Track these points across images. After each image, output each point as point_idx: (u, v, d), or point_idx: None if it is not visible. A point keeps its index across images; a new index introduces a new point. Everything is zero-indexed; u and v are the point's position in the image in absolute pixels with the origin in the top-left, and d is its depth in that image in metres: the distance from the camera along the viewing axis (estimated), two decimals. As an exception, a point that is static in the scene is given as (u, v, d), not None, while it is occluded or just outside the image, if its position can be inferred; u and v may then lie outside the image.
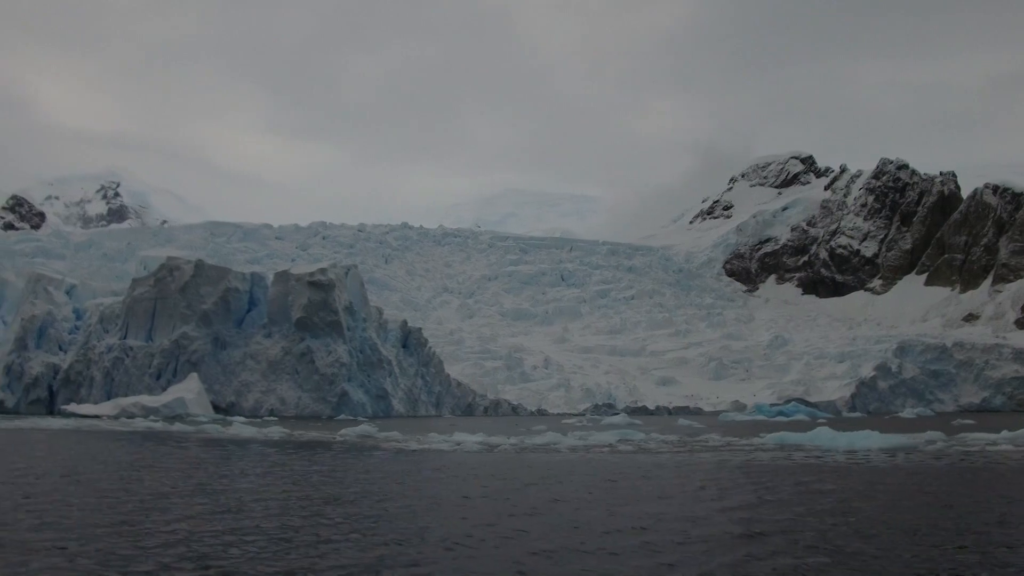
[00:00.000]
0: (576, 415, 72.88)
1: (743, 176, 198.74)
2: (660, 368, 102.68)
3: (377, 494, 12.92)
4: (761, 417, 58.95)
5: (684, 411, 78.11)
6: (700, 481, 15.17)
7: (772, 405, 68.66)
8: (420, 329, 68.17)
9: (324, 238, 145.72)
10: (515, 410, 72.18)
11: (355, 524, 9.85)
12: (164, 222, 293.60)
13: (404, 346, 64.27)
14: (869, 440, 23.65)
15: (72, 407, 47.84)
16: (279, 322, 55.87)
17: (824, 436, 25.65)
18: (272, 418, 46.38)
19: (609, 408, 79.52)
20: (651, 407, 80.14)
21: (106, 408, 44.31)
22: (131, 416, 42.89)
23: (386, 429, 32.81)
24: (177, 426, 35.18)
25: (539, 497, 12.45)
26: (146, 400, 46.01)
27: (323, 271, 55.63)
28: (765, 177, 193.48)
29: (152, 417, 41.94)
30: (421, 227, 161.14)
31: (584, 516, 10.58)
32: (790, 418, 56.87)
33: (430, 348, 67.84)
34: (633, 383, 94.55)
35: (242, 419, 43.25)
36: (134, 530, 9.15)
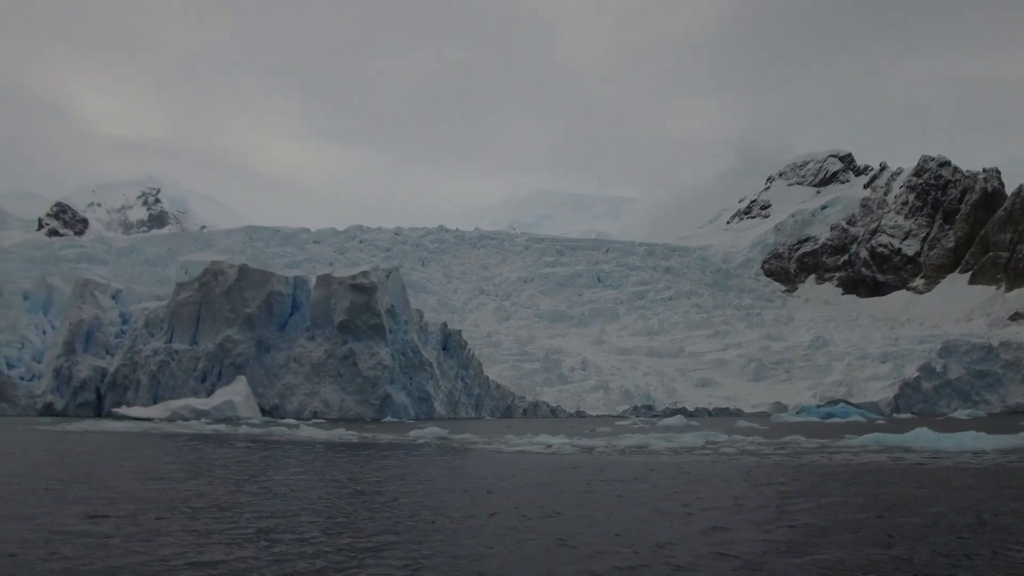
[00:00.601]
0: (616, 416, 72.60)
1: (781, 175, 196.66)
2: (699, 369, 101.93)
3: (550, 504, 11.78)
4: (813, 418, 58.12)
5: (724, 413, 77.47)
6: (868, 486, 14.22)
7: (819, 406, 67.85)
8: (460, 331, 68.40)
9: (361, 242, 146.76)
10: (554, 412, 72.09)
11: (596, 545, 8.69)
12: (203, 227, 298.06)
13: (444, 348, 64.52)
14: (979, 441, 22.72)
15: (123, 410, 48.69)
16: (322, 325, 56.36)
17: (927, 437, 24.59)
18: (320, 420, 46.70)
19: (648, 409, 79.14)
20: (690, 408, 79.60)
21: (156, 411, 45.03)
22: (183, 419, 43.49)
23: (457, 431, 32.59)
24: (244, 429, 35.31)
25: (750, 504, 11.87)
26: (196, 403, 46.64)
27: (365, 274, 56.02)
28: (803, 176, 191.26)
29: (203, 419, 42.49)
30: (457, 230, 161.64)
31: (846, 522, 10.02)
32: (846, 419, 55.99)
33: (470, 350, 68.04)
34: (672, 384, 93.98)
35: (305, 422, 43.69)
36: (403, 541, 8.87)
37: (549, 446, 23.95)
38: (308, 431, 32.12)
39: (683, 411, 77.93)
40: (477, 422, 52.47)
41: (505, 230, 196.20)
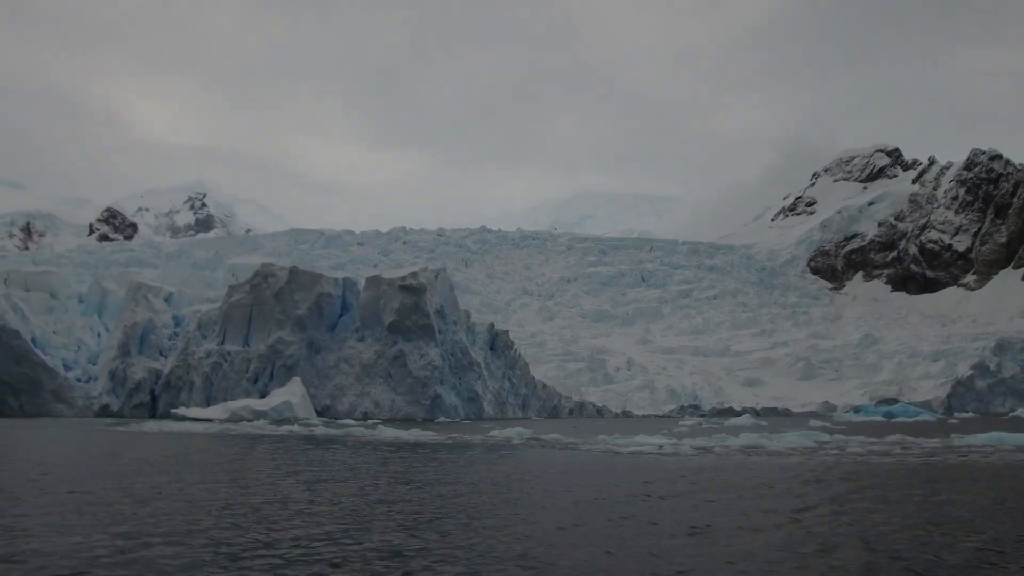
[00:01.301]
0: (664, 416, 72.25)
1: (826, 171, 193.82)
2: (745, 368, 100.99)
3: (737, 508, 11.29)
4: (875, 418, 57.22)
5: (772, 412, 76.65)
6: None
7: (876, 405, 66.93)
8: (507, 331, 68.59)
9: (405, 243, 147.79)
10: (600, 412, 71.95)
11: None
12: (248, 230, 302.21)
13: (491, 348, 64.75)
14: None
15: (181, 410, 49.55)
16: (371, 326, 56.88)
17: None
18: (375, 421, 47.06)
19: (695, 409, 78.66)
20: (737, 408, 78.90)
21: (216, 411, 45.78)
22: (244, 419, 44.18)
23: (541, 432, 32.16)
24: (320, 430, 35.23)
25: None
26: (255, 404, 47.31)
27: (414, 275, 56.39)
28: (850, 171, 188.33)
29: (263, 420, 43.15)
30: (499, 230, 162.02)
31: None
32: (913, 418, 55.13)
33: (516, 350, 68.18)
34: (718, 384, 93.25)
35: (361, 423, 44.07)
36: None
37: (660, 446, 23.40)
38: (390, 431, 31.99)
39: (730, 411, 77.28)
40: (546, 422, 52.47)
41: (547, 230, 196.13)
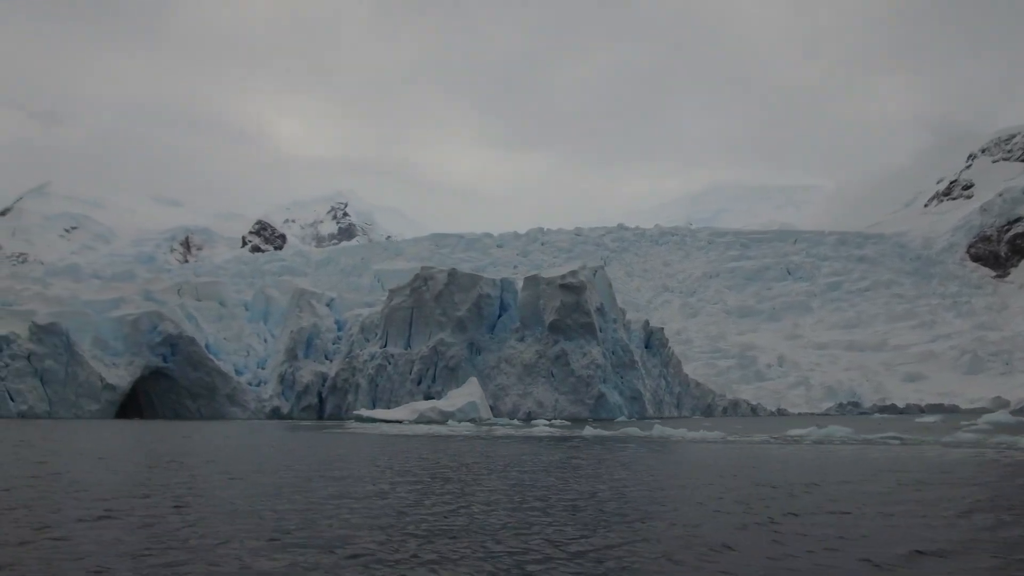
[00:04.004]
0: (821, 415, 70.06)
1: (983, 151, 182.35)
2: (905, 363, 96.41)
3: None
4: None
5: (938, 409, 72.91)
6: None
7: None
8: (662, 329, 68.18)
9: (543, 244, 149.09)
10: (754, 410, 70.51)
11: None
12: (389, 237, 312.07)
13: (647, 347, 64.58)
14: None
15: (364, 412, 51.48)
16: (531, 326, 57.75)
17: None
18: (545, 420, 47.48)
19: (855, 407, 75.86)
20: (900, 405, 75.56)
21: (402, 412, 47.43)
22: (432, 420, 45.78)
23: (743, 432, 31.35)
24: (524, 431, 35.16)
25: None
26: (442, 404, 48.79)
27: (574, 273, 56.82)
28: (1010, 151, 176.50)
29: (451, 421, 44.58)
30: (637, 228, 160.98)
31: None
32: None
33: (670, 348, 67.72)
34: (877, 380, 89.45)
35: (527, 423, 44.76)
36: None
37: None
38: (669, 429, 31.75)
39: (892, 408, 74.10)
40: (744, 420, 51.65)
41: (684, 225, 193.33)
